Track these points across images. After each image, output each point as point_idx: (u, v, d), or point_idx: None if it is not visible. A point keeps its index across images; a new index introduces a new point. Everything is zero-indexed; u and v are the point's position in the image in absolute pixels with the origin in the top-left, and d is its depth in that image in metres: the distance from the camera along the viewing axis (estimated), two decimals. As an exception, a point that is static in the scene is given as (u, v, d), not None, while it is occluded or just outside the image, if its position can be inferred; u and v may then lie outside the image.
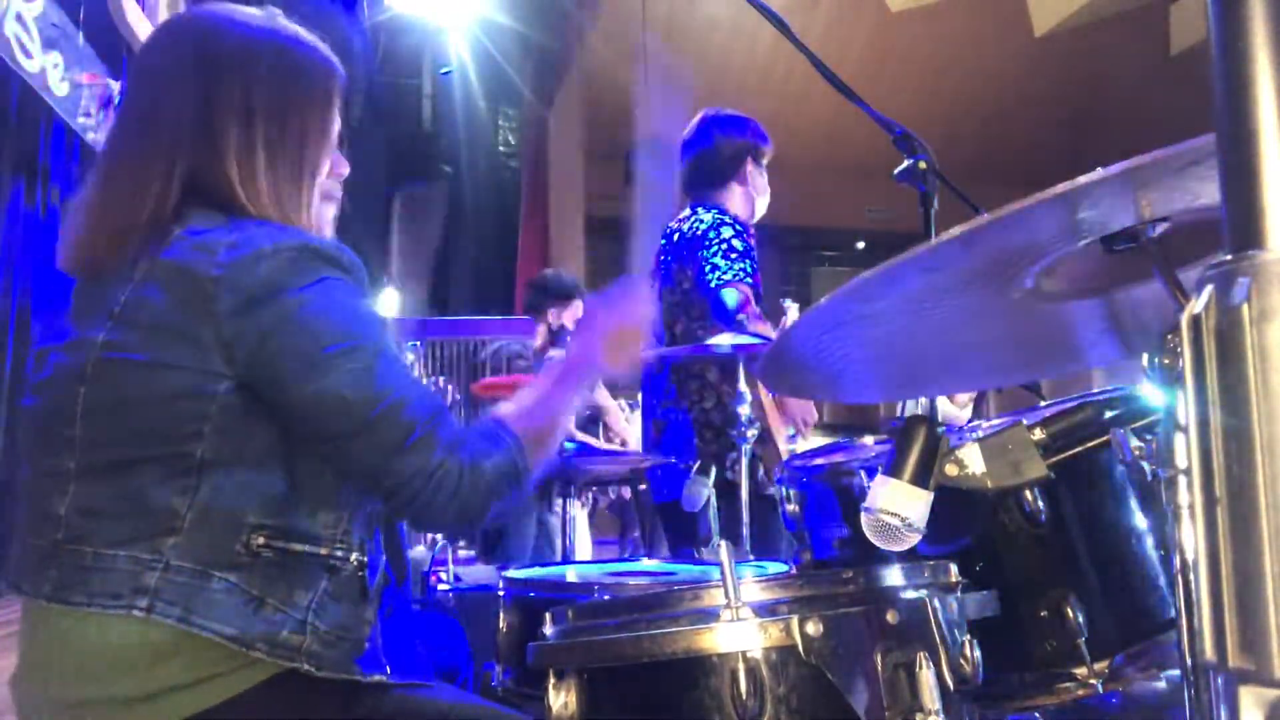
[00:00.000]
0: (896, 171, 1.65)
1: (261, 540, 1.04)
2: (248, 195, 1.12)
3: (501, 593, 1.51)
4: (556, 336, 4.19)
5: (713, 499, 2.43)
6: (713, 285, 2.67)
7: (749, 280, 2.67)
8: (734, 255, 2.70)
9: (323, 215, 1.25)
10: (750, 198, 2.92)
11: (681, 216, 2.93)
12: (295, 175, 1.16)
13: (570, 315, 4.21)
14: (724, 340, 2.31)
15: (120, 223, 1.10)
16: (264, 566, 1.05)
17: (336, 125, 1.23)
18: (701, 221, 2.81)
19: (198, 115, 1.12)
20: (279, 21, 1.21)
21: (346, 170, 1.27)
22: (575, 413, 1.29)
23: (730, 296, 2.63)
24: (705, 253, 2.74)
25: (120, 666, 1.02)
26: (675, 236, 2.87)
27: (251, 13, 1.20)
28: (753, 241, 2.81)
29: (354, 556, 1.10)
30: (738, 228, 2.79)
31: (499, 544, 3.59)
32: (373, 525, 1.15)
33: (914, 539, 1.07)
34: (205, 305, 1.03)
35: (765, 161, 2.95)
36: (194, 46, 1.17)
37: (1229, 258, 0.51)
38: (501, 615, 1.49)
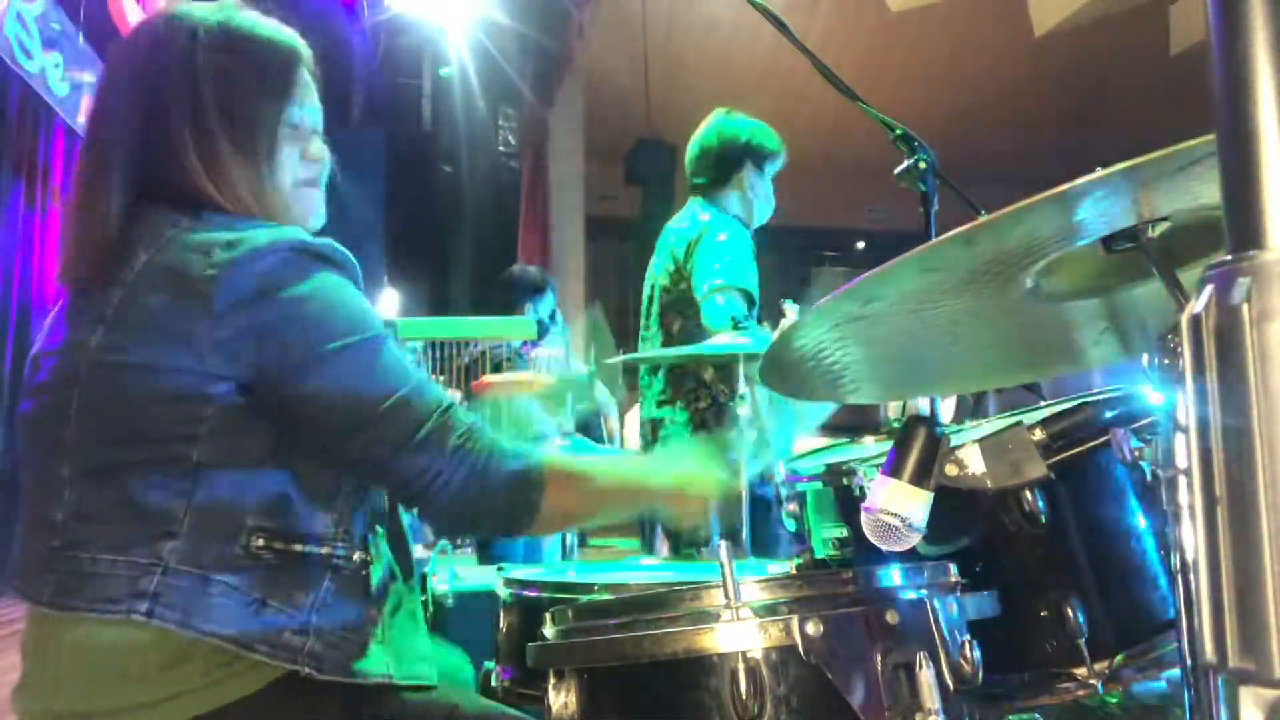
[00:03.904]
0: (897, 171, 1.64)
1: (261, 542, 1.04)
2: (221, 192, 1.12)
3: (501, 593, 1.51)
4: (541, 333, 4.19)
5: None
6: (705, 290, 2.67)
7: (742, 285, 2.67)
8: (728, 258, 2.70)
9: (302, 201, 1.23)
10: (748, 202, 2.91)
11: (679, 216, 2.93)
12: (258, 165, 1.16)
13: (544, 307, 4.27)
14: (721, 340, 2.31)
15: (89, 234, 1.11)
16: (264, 568, 1.04)
17: (305, 108, 1.22)
18: (698, 222, 2.81)
19: (147, 121, 1.13)
20: (231, 12, 1.20)
21: (324, 154, 1.25)
22: (626, 513, 1.28)
23: (721, 302, 2.63)
24: (700, 255, 2.74)
25: (120, 674, 1.01)
26: (673, 236, 2.87)
27: (206, 9, 1.19)
28: (750, 242, 2.80)
29: (356, 555, 1.09)
30: (734, 228, 2.78)
31: (491, 545, 3.59)
32: (375, 522, 1.15)
33: (914, 539, 1.07)
34: (200, 306, 1.02)
35: (772, 169, 2.94)
36: (144, 54, 1.17)
37: (1229, 258, 0.51)
38: (501, 615, 1.49)
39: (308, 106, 1.22)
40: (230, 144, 1.14)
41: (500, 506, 1.10)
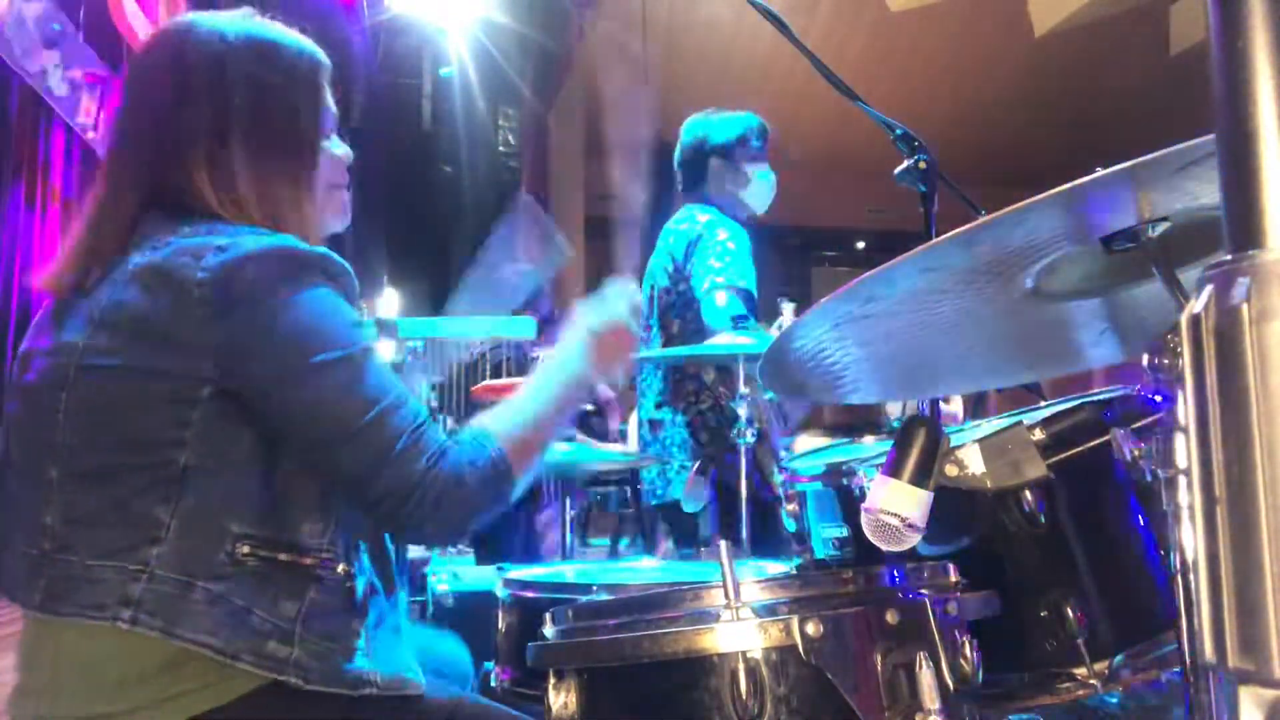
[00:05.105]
0: (897, 171, 1.65)
1: (246, 549, 1.03)
2: (224, 204, 1.11)
3: (501, 593, 1.51)
4: (542, 330, 4.19)
5: (713, 500, 2.43)
6: (705, 288, 2.67)
7: (742, 283, 2.67)
8: (728, 257, 2.69)
9: (333, 204, 1.24)
10: (734, 195, 2.90)
11: (677, 217, 2.93)
12: (289, 174, 1.16)
13: (543, 306, 4.24)
14: (722, 341, 2.31)
15: (97, 242, 1.11)
16: (249, 576, 1.03)
17: (329, 115, 1.23)
18: (697, 222, 2.81)
19: (165, 130, 1.13)
20: (254, 21, 1.20)
21: (349, 154, 1.27)
22: (570, 413, 1.28)
23: (722, 299, 2.63)
24: (699, 254, 2.73)
25: (118, 677, 1.01)
26: (671, 238, 2.87)
27: (227, 17, 1.19)
28: (748, 241, 2.80)
29: (340, 566, 1.08)
30: (732, 228, 2.78)
31: (487, 545, 3.60)
32: (359, 535, 1.14)
33: (914, 539, 1.07)
34: (189, 310, 1.02)
35: (746, 153, 2.90)
36: (166, 62, 1.17)
37: (1229, 258, 0.51)
38: (501, 615, 1.49)
39: (332, 110, 1.24)
40: (260, 154, 1.14)
41: (482, 505, 1.10)
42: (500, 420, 1.17)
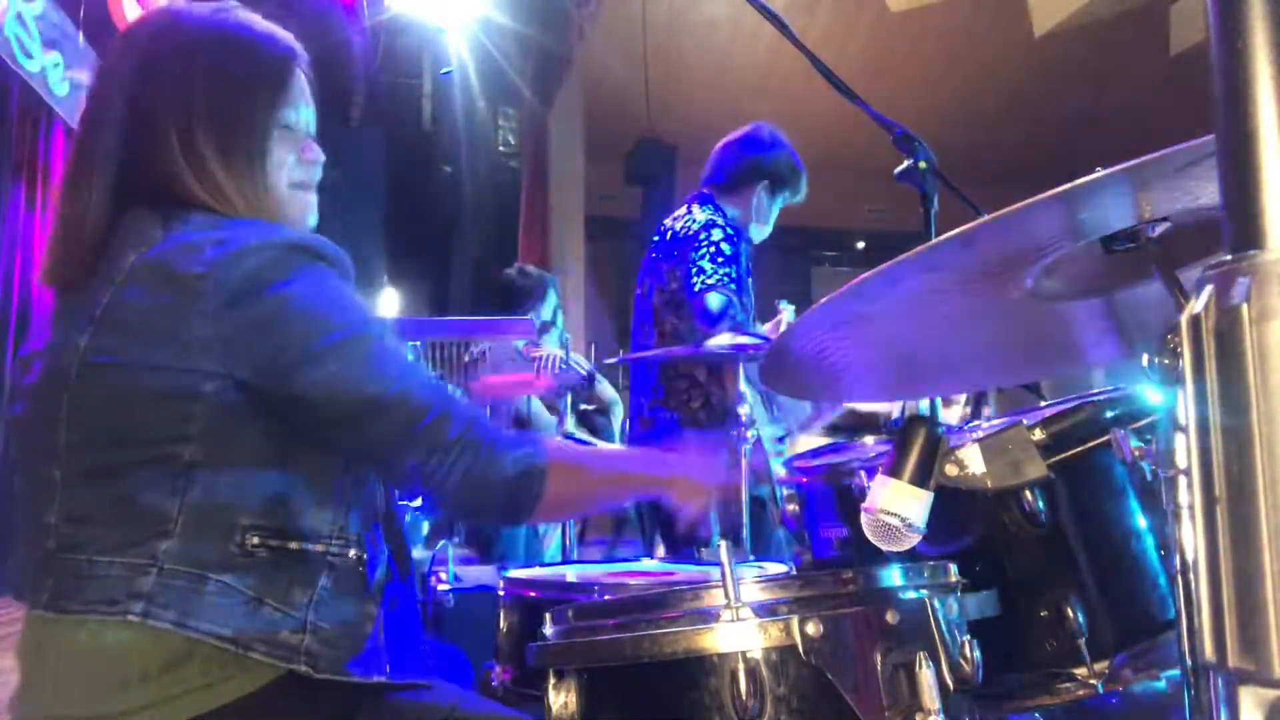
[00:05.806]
0: (897, 171, 1.65)
1: (256, 539, 1.03)
2: (208, 192, 1.11)
3: (501, 593, 1.51)
4: (542, 332, 4.18)
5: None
6: (696, 289, 2.68)
7: (733, 286, 2.68)
8: (720, 259, 2.70)
9: (296, 203, 1.22)
10: (748, 218, 2.92)
11: (677, 214, 2.94)
12: (251, 166, 1.15)
13: (547, 309, 4.22)
14: (719, 341, 2.31)
15: (76, 232, 1.11)
16: (260, 566, 1.04)
17: (300, 110, 1.21)
18: (695, 221, 2.82)
19: (137, 120, 1.13)
20: (227, 12, 1.19)
21: (319, 157, 1.25)
22: (623, 499, 1.31)
23: (713, 301, 2.64)
24: (694, 254, 2.74)
25: (120, 676, 1.01)
26: (668, 235, 2.88)
27: (208, 8, 1.19)
28: (744, 246, 2.81)
29: (353, 552, 1.09)
30: (729, 231, 2.79)
31: (491, 545, 3.60)
32: (372, 519, 1.14)
33: (914, 539, 1.07)
34: (192, 304, 1.02)
35: (784, 197, 2.95)
36: (138, 53, 1.17)
37: (1229, 258, 0.51)
38: (501, 615, 1.49)
39: (303, 108, 1.22)
40: (221, 145, 1.13)
41: (502, 497, 1.11)
42: (562, 449, 1.20)
